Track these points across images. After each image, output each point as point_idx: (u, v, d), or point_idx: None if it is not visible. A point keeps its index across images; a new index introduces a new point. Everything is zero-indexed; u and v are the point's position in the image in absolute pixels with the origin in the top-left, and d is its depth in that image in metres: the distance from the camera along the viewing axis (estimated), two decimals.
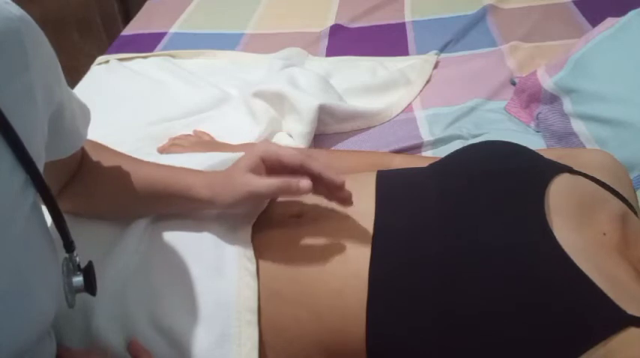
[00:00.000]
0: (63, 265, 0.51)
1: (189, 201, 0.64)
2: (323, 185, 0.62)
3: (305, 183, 0.59)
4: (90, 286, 0.52)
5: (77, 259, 0.52)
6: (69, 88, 0.55)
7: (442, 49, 1.37)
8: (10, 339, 0.41)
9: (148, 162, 0.69)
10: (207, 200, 0.63)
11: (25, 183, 0.43)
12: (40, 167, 0.46)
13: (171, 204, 0.66)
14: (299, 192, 0.59)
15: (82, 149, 0.65)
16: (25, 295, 0.42)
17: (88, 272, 0.53)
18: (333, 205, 0.66)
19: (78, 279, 0.52)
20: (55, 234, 0.50)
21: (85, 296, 0.55)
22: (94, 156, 0.67)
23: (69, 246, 0.51)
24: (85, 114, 0.60)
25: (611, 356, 0.49)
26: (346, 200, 0.63)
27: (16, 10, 0.43)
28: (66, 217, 0.50)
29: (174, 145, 1.01)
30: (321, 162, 0.62)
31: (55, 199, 0.47)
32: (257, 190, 0.60)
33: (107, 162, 0.67)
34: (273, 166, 0.63)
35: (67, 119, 0.54)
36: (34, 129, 0.45)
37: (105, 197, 0.68)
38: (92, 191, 0.67)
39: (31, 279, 0.43)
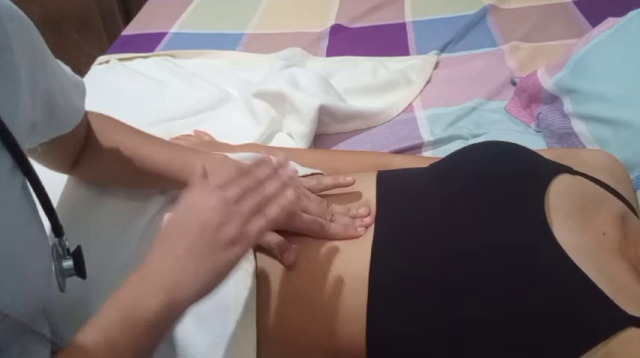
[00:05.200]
0: (53, 250, 0.51)
1: None
2: None
3: (290, 257, 0.62)
4: (80, 269, 0.53)
5: (66, 243, 0.53)
6: (59, 65, 0.55)
7: (442, 49, 1.37)
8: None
9: (152, 141, 0.70)
10: None
11: (13, 166, 0.44)
12: (26, 150, 0.45)
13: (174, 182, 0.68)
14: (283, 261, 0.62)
15: (87, 122, 0.66)
16: (17, 274, 0.42)
17: (77, 256, 0.53)
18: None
19: (68, 263, 0.52)
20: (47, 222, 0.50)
21: (86, 293, 0.55)
22: (99, 129, 0.68)
23: (58, 230, 0.51)
24: (79, 87, 0.61)
25: (611, 356, 0.49)
26: None
27: None
28: (65, 218, 0.49)
29: None
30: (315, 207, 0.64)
31: (42, 183, 0.47)
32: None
33: (111, 135, 0.68)
34: None
35: (60, 97, 0.53)
36: (17, 111, 0.45)
37: (109, 169, 0.69)
38: (98, 163, 0.68)
39: (23, 259, 0.43)
